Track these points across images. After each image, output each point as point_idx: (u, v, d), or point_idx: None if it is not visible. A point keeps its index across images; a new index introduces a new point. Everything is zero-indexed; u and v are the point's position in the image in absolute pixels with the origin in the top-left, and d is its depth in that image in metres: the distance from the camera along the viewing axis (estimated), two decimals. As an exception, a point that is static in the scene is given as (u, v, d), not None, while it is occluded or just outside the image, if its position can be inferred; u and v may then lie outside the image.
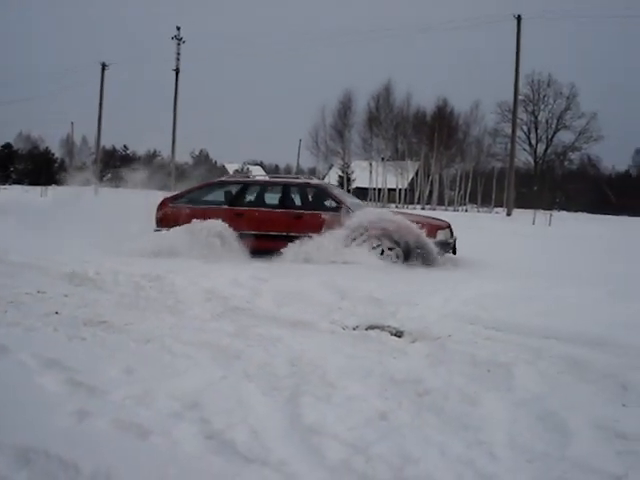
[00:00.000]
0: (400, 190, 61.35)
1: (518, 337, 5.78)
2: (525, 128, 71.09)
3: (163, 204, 11.90)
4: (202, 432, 3.67)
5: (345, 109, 61.70)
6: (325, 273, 8.78)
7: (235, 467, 3.27)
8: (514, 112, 38.08)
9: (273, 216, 11.51)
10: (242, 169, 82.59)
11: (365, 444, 3.48)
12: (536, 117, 71.33)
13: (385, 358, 5.06)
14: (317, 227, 10.93)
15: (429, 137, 60.03)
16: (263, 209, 11.76)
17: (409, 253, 10.61)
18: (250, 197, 12.26)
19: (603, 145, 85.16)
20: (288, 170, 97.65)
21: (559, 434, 3.71)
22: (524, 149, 70.90)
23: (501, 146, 62.93)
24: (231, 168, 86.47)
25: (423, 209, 54.15)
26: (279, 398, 4.20)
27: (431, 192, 61.91)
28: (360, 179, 62.55)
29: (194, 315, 6.43)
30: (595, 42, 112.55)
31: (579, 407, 4.13)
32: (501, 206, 39.04)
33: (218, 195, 12.22)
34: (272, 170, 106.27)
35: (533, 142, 71.72)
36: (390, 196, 61.79)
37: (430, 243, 10.55)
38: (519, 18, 35.97)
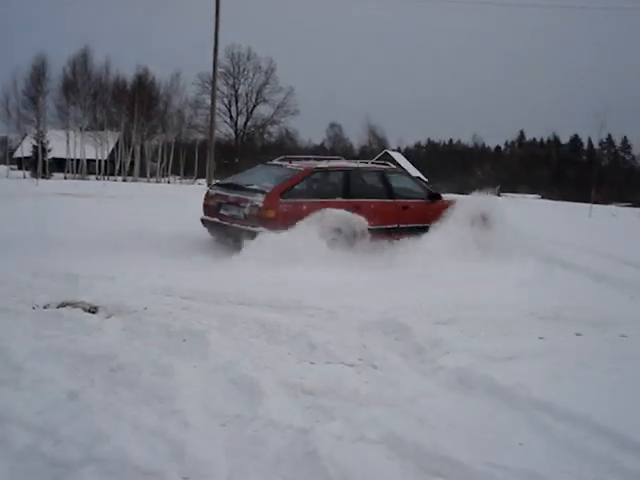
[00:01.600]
0: (100, 161, 59.04)
1: (213, 305, 5.91)
2: (226, 101, 72.47)
3: (273, 199, 9.21)
4: None
5: (39, 74, 57.49)
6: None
7: None
8: (213, 84, 38.33)
9: (385, 208, 10.09)
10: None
11: (54, 426, 3.34)
12: (236, 90, 73.01)
13: (78, 336, 4.85)
14: (429, 218, 10.01)
15: (129, 107, 58.42)
16: (375, 200, 10.10)
17: None
18: (356, 187, 10.29)
19: (300, 119, 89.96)
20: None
21: (251, 396, 3.86)
22: (225, 121, 72.36)
23: (202, 118, 63.35)
24: None
25: (125, 181, 52.99)
26: (-45, 387, 3.87)
27: (132, 163, 60.42)
28: (57, 149, 58.83)
29: None
30: (293, 18, 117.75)
31: (270, 368, 4.34)
32: (204, 177, 39.44)
33: (324, 186, 10.05)
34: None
35: (234, 115, 73.49)
36: (89, 167, 59.26)
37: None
38: (218, -11, 36.24)
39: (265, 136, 76.05)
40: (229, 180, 10.76)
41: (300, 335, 5.07)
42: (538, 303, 6.65)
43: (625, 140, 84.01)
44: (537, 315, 6.23)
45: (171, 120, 62.75)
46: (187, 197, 18.18)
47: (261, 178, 9.99)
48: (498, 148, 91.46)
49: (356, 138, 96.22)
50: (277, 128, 75.24)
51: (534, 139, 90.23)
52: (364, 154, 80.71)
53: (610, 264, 10.04)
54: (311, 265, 7.82)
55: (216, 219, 9.64)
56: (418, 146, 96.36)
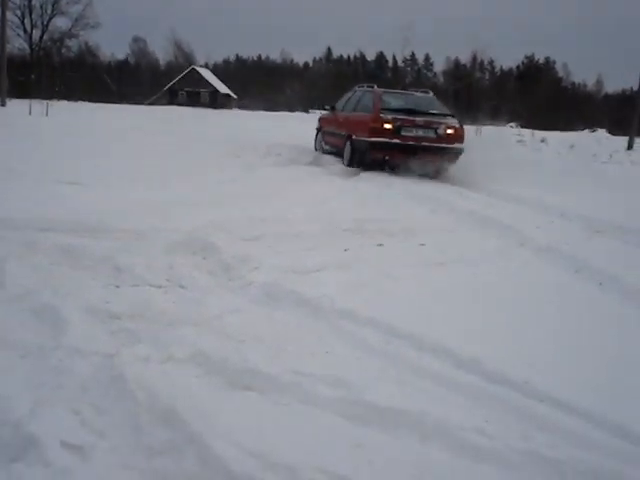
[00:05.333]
0: None
1: (13, 232, 5.52)
2: (19, 12, 67.02)
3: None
4: None
5: None
6: None
7: None
8: (3, -7, 35.41)
9: None
10: None
11: None
12: (30, 1, 67.66)
13: None
14: None
15: None
16: None
17: None
18: None
19: (101, 32, 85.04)
20: None
21: (53, 324, 3.72)
22: (19, 35, 67.07)
23: (-7, 31, 58.43)
24: None
25: None
26: None
27: None
28: None
29: None
30: None
31: (73, 295, 4.19)
32: None
33: None
34: None
35: (28, 28, 68.14)
36: None
37: None
38: None
39: (63, 51, 71.31)
40: (398, 105, 11.38)
41: (106, 259, 4.92)
42: (343, 216, 6.87)
43: (427, 57, 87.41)
44: (342, 228, 6.43)
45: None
46: None
47: (424, 102, 11.81)
48: (306, 64, 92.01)
49: (162, 53, 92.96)
50: (76, 42, 70.72)
51: (341, 56, 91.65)
52: (170, 69, 78.34)
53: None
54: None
55: (397, 140, 10.66)
56: (227, 62, 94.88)
